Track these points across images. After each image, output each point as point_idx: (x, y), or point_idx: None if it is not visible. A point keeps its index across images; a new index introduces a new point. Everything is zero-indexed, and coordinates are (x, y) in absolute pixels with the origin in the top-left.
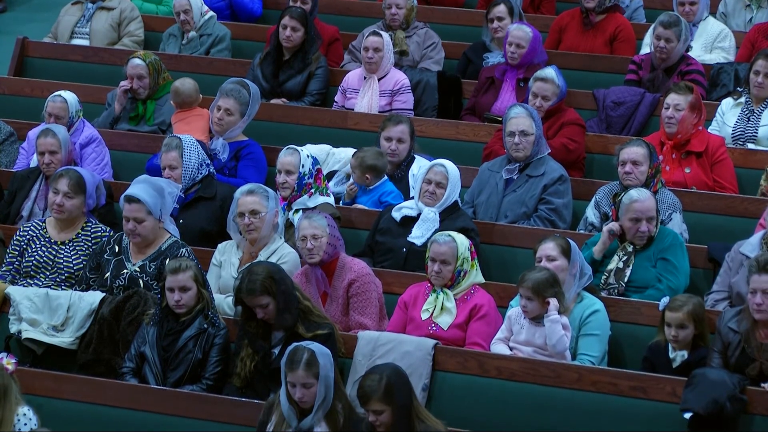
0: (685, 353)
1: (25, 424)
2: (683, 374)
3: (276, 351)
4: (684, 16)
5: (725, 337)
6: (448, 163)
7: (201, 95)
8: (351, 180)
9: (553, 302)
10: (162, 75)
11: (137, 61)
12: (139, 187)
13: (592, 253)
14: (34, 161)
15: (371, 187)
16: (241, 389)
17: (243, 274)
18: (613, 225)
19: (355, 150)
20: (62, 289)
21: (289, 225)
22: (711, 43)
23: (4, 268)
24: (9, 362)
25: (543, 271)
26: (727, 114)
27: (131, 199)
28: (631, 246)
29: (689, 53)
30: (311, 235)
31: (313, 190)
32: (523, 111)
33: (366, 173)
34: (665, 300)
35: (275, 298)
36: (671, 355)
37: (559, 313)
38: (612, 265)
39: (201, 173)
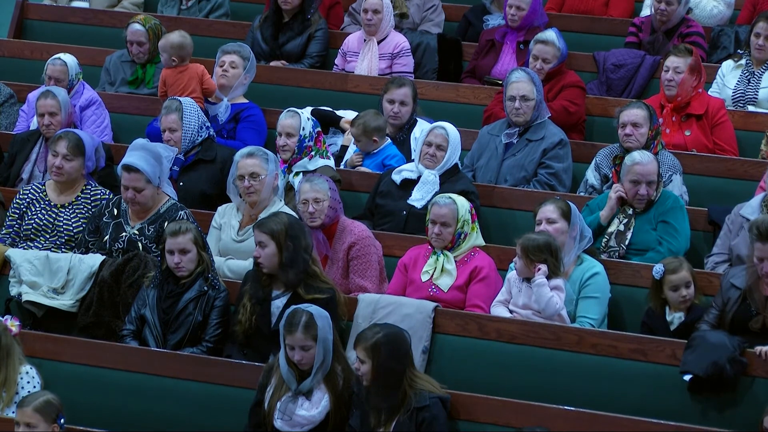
0: (682, 315)
1: (28, 382)
2: (681, 336)
3: (275, 305)
4: None
5: (725, 293)
6: (449, 126)
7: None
8: (353, 150)
9: (543, 268)
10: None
11: (137, 26)
12: (138, 156)
13: (598, 218)
14: (34, 124)
15: (375, 151)
16: (242, 349)
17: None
18: (620, 189)
19: (352, 118)
20: (62, 252)
21: (289, 188)
22: None
23: (4, 231)
24: (13, 324)
25: (542, 236)
26: (728, 76)
27: (130, 169)
28: (631, 209)
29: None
30: (313, 199)
31: (313, 153)
32: (524, 76)
33: (374, 136)
34: (659, 268)
35: (278, 247)
36: (668, 317)
37: (550, 278)
38: (613, 228)
39: (201, 136)
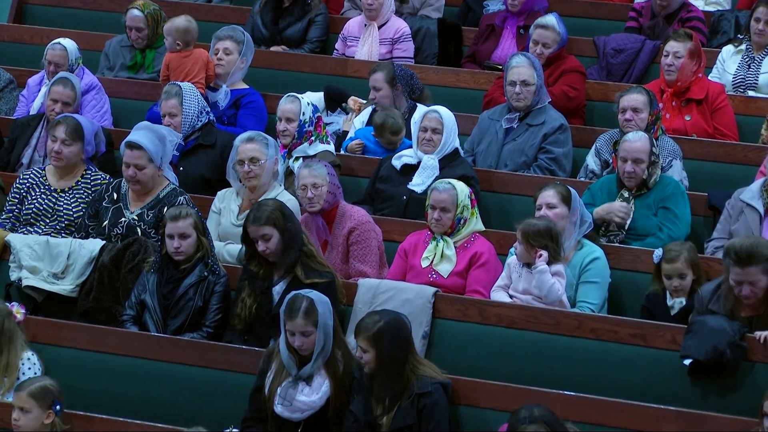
0: (683, 300)
1: (29, 368)
2: (682, 321)
3: (275, 291)
4: None
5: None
6: (442, 109)
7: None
8: (357, 139)
9: (543, 255)
10: (161, 24)
11: (136, 12)
12: (141, 134)
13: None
14: (34, 109)
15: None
16: (243, 335)
17: (253, 206)
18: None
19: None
20: (62, 237)
21: (289, 173)
22: None
23: (4, 216)
24: (18, 311)
25: (543, 221)
26: (728, 61)
27: (133, 146)
28: (628, 192)
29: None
30: (311, 184)
31: (313, 138)
32: (524, 60)
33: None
34: (659, 252)
35: (281, 232)
36: (669, 303)
37: (551, 263)
38: None
39: (201, 121)
